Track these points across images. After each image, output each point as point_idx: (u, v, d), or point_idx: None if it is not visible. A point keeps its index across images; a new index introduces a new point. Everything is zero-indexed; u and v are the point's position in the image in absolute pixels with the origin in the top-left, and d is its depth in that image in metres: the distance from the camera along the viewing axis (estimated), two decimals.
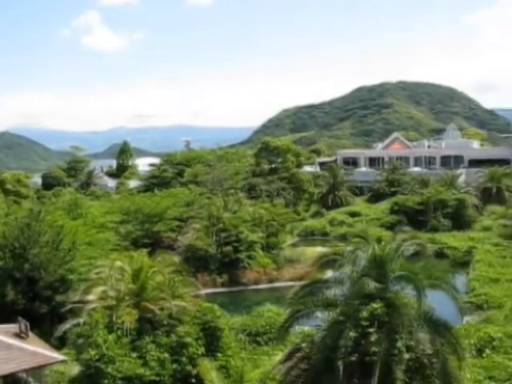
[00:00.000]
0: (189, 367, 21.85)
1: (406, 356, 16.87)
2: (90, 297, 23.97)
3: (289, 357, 19.32)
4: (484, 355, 25.84)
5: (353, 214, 74.59)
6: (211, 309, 24.59)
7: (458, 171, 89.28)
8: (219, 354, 23.68)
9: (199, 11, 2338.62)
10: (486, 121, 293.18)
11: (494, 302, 35.24)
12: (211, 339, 23.68)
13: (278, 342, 25.87)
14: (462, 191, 72.90)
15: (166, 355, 21.78)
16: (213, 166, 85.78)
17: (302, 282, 21.02)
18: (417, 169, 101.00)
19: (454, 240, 57.44)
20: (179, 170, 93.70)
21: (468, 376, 20.86)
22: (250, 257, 47.44)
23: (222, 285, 45.46)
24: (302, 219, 73.52)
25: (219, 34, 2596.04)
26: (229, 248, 46.80)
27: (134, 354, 21.64)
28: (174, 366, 21.71)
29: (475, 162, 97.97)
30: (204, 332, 23.38)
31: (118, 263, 25.18)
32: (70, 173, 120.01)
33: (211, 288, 43.01)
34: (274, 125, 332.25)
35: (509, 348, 26.31)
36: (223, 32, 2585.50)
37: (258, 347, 29.27)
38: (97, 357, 20.96)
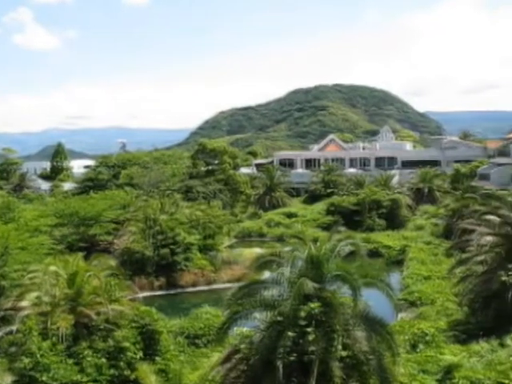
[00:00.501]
0: (127, 372, 21.62)
1: (343, 354, 17.20)
2: (24, 303, 23.35)
3: (228, 358, 19.35)
4: (418, 350, 26.52)
5: (289, 215, 74.96)
6: (149, 312, 24.38)
7: (392, 172, 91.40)
8: (158, 358, 23.53)
9: (135, 11, 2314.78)
10: (418, 123, 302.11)
11: (426, 299, 36.13)
12: (149, 343, 23.49)
13: (216, 343, 25.77)
14: (396, 191, 74.78)
15: (104, 360, 21.44)
16: (149, 167, 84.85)
17: (240, 284, 21.10)
18: (352, 170, 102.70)
19: (389, 239, 58.59)
20: (115, 172, 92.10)
21: (402, 371, 21.38)
22: (187, 259, 47.10)
23: (160, 288, 44.98)
24: (239, 221, 73.45)
25: (155, 35, 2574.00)
26: (166, 250, 46.33)
27: (70, 361, 21.21)
28: (112, 371, 21.39)
29: (408, 163, 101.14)
30: (142, 336, 23.16)
31: (53, 268, 24.59)
32: (1, 175, 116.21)
33: (148, 291, 42.57)
34: (210, 126, 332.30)
35: (441, 342, 27.11)
36: (159, 33, 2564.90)
37: (197, 349, 29.11)
38: (31, 365, 20.43)
